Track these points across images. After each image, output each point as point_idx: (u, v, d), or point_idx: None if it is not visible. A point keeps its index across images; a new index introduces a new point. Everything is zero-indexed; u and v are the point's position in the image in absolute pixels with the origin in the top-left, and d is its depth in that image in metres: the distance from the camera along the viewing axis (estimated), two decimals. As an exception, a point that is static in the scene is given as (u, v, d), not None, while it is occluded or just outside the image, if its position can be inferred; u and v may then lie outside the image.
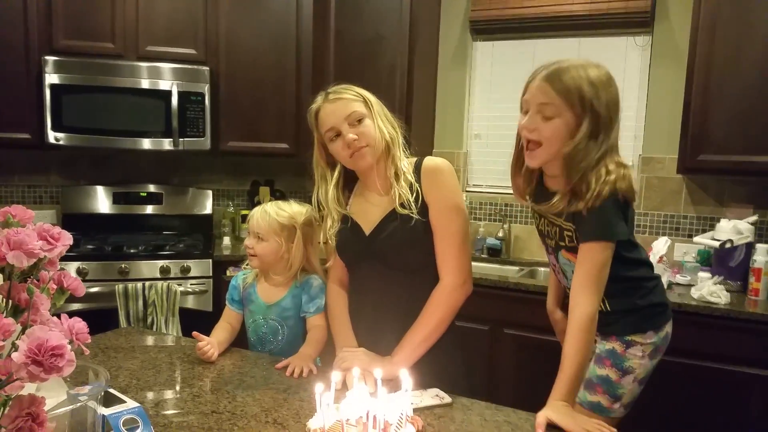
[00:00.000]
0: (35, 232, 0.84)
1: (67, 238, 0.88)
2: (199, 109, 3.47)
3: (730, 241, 2.79)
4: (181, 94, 3.42)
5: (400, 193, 1.72)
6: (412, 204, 1.72)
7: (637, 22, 3.27)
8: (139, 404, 1.27)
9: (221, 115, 3.59)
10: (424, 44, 3.61)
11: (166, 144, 3.45)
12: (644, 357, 1.79)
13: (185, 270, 3.28)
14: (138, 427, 1.23)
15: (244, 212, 3.87)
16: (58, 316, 0.85)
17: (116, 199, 3.74)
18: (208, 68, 3.50)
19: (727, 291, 2.65)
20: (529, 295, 2.83)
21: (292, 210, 2.03)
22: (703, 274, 2.79)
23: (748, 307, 2.57)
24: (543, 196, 1.72)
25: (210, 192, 3.94)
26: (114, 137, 3.40)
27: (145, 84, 3.40)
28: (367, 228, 1.79)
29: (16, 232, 0.82)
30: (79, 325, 0.82)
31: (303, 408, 1.47)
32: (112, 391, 1.34)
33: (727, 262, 2.84)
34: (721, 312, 2.54)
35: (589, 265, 1.59)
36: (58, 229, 0.88)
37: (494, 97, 3.70)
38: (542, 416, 1.41)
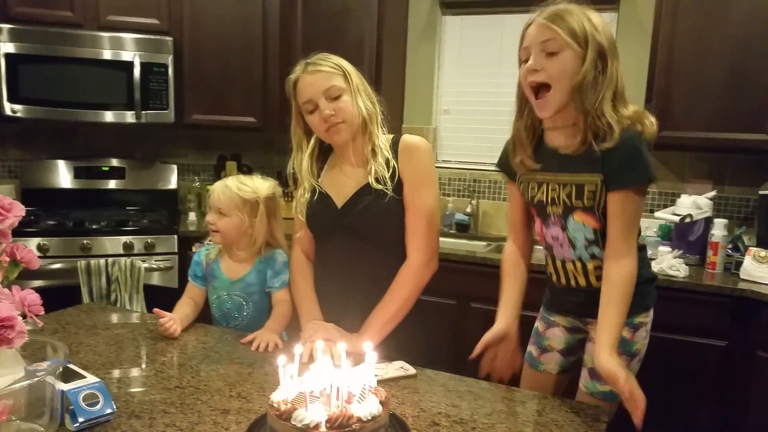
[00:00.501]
0: (-11, 203, 0.82)
1: (19, 209, 0.86)
2: (162, 81, 3.40)
3: (690, 215, 2.85)
4: (143, 65, 3.34)
5: (375, 169, 1.73)
6: (388, 180, 1.72)
7: (605, -1, 3.29)
8: (99, 379, 1.26)
9: (186, 88, 3.53)
10: (393, 18, 3.58)
11: (129, 117, 3.37)
12: (647, 336, 1.74)
13: (149, 246, 3.23)
14: (98, 402, 1.23)
15: (209, 187, 3.81)
16: (9, 289, 0.83)
17: (78, 174, 3.66)
18: (171, 39, 3.42)
19: (686, 264, 2.72)
20: (496, 270, 2.81)
21: (254, 184, 2.00)
22: (664, 248, 2.85)
23: (705, 280, 2.63)
24: (548, 158, 1.64)
25: (175, 166, 3.88)
26: (74, 110, 3.31)
27: (106, 54, 3.31)
28: (339, 201, 1.79)
29: (-35, 204, 0.80)
30: (32, 296, 0.81)
31: (268, 382, 1.47)
32: (71, 366, 1.33)
33: (686, 237, 2.90)
34: (680, 285, 2.60)
35: (631, 213, 1.54)
36: (9, 200, 0.86)
37: (463, 72, 3.69)
38: (616, 364, 1.40)
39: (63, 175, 3.65)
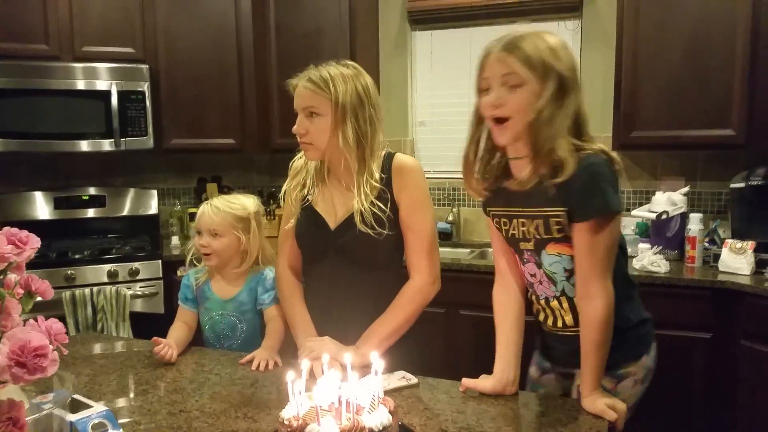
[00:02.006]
0: (3, 236, 0.84)
1: (35, 242, 0.89)
2: (140, 108, 3.41)
3: (666, 212, 2.93)
4: (120, 93, 3.35)
5: (363, 212, 1.69)
6: (375, 225, 1.69)
7: (567, 7, 3.39)
8: (106, 408, 1.27)
9: (163, 113, 3.54)
10: (364, 35, 3.64)
11: (108, 145, 3.38)
12: (636, 385, 1.59)
13: (134, 273, 3.23)
14: (107, 430, 1.23)
15: (191, 210, 3.82)
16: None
17: (57, 204, 3.63)
18: (147, 66, 3.44)
19: (666, 260, 2.79)
20: (482, 276, 2.90)
21: (241, 201, 2.03)
22: (643, 245, 2.93)
23: (686, 274, 2.71)
24: (513, 192, 1.53)
25: (155, 191, 3.88)
26: (52, 140, 3.31)
27: (83, 85, 3.32)
28: (332, 222, 1.78)
29: (-16, 239, 0.81)
30: (57, 326, 0.83)
31: (272, 401, 1.49)
32: (77, 396, 1.34)
33: (664, 233, 2.98)
34: (662, 280, 2.67)
35: (601, 248, 1.41)
36: (25, 233, 0.88)
37: (436, 84, 3.76)
38: (602, 404, 1.39)
39: (42, 207, 3.62)
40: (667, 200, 2.96)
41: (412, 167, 1.77)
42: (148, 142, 3.46)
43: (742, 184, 2.80)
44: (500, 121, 1.45)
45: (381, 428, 1.15)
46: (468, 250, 3.48)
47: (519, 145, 1.48)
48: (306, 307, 1.86)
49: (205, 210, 1.99)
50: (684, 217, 2.95)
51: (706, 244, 2.87)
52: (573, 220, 1.43)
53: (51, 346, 0.75)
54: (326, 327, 1.78)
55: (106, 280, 3.17)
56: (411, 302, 1.76)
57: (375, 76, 3.79)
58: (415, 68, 3.80)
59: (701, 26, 2.81)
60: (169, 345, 1.80)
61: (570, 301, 1.54)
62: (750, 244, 2.65)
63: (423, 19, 3.70)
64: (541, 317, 1.65)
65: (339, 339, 1.73)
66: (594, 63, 3.34)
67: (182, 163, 4.00)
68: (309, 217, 1.82)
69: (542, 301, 1.61)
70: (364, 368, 1.31)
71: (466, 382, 1.55)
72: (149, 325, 3.09)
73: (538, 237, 1.51)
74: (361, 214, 1.70)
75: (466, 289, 2.95)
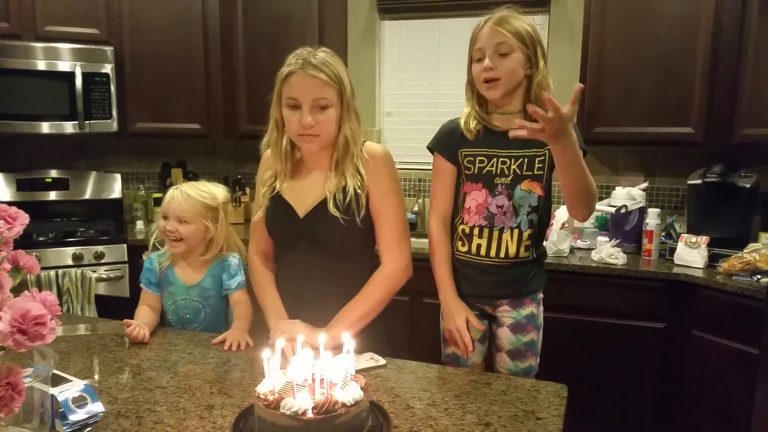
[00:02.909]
0: (-3, 212, 0.85)
1: (24, 218, 0.90)
2: (104, 90, 3.37)
3: (625, 206, 3.03)
4: (85, 75, 3.31)
5: (335, 193, 1.73)
6: (344, 207, 1.72)
7: (535, 2, 3.45)
8: (85, 382, 1.29)
9: (128, 96, 3.50)
10: (333, 23, 3.65)
11: (72, 127, 3.33)
12: (542, 308, 2.03)
13: (99, 256, 3.20)
14: (87, 403, 1.25)
15: (156, 195, 3.80)
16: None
17: (20, 186, 3.58)
18: (112, 48, 3.39)
19: (624, 253, 2.89)
20: (445, 265, 2.96)
21: (211, 190, 2.04)
22: (602, 238, 3.02)
23: (642, 267, 2.81)
24: (497, 138, 1.89)
25: (118, 175, 3.84)
26: (14, 122, 3.26)
27: (46, 65, 3.26)
28: (301, 210, 1.79)
29: (-25, 213, 0.83)
30: (50, 298, 0.85)
31: (245, 378, 1.52)
32: (56, 372, 1.35)
33: (622, 226, 3.09)
34: (619, 272, 2.77)
35: None
36: (14, 209, 0.90)
37: (404, 75, 3.80)
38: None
39: (4, 188, 3.55)
40: (627, 195, 3.06)
41: (382, 155, 1.80)
42: (112, 125, 3.42)
43: (699, 181, 2.91)
44: (490, 81, 1.82)
45: (353, 403, 1.20)
46: (428, 240, 3.53)
47: (505, 102, 1.89)
48: (277, 292, 1.88)
49: (174, 195, 1.99)
50: (642, 212, 3.05)
51: (663, 238, 2.98)
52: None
53: (49, 315, 0.77)
54: (300, 313, 1.79)
55: (70, 262, 3.14)
56: (380, 288, 1.79)
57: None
58: (383, 58, 3.84)
59: (665, 27, 2.91)
60: (140, 325, 1.81)
61: (520, 233, 1.91)
62: (704, 239, 2.76)
63: (392, 8, 3.73)
64: (482, 252, 1.94)
65: (313, 323, 1.75)
66: (560, 58, 3.42)
67: (146, 148, 3.96)
68: (277, 206, 1.82)
69: (495, 233, 1.92)
70: (335, 349, 1.35)
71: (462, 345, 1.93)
72: (114, 308, 3.08)
73: (518, 172, 1.88)
74: (334, 197, 1.72)
75: (429, 279, 2.99)
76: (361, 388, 1.24)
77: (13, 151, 3.65)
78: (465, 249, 1.97)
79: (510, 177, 1.88)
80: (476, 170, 1.91)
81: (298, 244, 1.81)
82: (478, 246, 1.94)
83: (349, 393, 1.20)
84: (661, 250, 2.96)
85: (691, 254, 2.79)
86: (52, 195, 3.67)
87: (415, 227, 3.67)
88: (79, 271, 3.08)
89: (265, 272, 1.92)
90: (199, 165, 4.05)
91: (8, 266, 0.92)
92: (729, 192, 2.86)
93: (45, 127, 3.30)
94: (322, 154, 1.77)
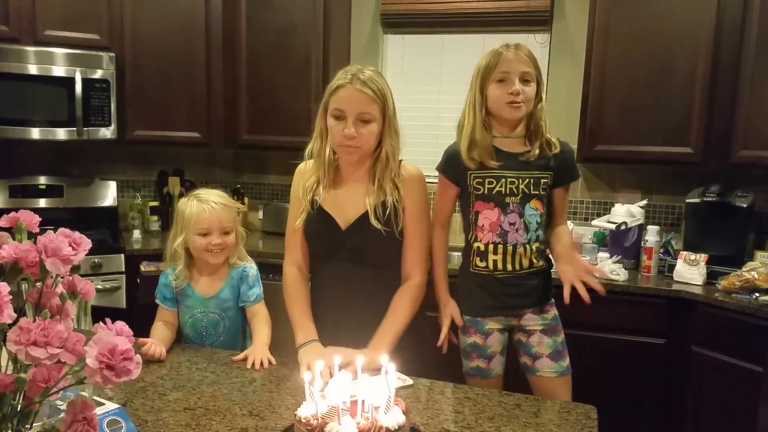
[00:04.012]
0: (63, 236, 0.84)
1: (87, 243, 0.89)
2: (104, 97, 3.33)
3: (625, 223, 3.07)
4: (84, 81, 3.26)
5: (375, 206, 1.80)
6: (388, 219, 1.79)
7: (537, 20, 3.49)
8: (118, 405, 1.27)
9: (128, 104, 3.46)
10: (337, 35, 3.65)
11: (69, 134, 3.28)
12: None
13: (96, 266, 3.15)
14: (122, 427, 1.24)
15: (152, 203, 3.76)
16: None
17: (12, 193, 3.51)
18: (113, 54, 3.35)
19: (624, 269, 2.93)
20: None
21: (227, 196, 2.06)
22: (602, 254, 3.06)
23: (642, 283, 2.85)
24: (505, 159, 1.98)
25: (114, 183, 3.78)
26: (9, 127, 3.20)
27: (44, 70, 3.21)
28: (343, 222, 1.84)
29: (51, 239, 0.81)
30: (126, 328, 0.83)
31: (274, 399, 1.51)
32: (83, 394, 1.33)
33: (622, 243, 3.13)
34: (621, 288, 2.80)
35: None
36: (78, 234, 0.89)
37: (405, 89, 3.80)
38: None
39: (-3, 195, 3.49)
40: (626, 212, 3.10)
41: (419, 175, 1.89)
42: (110, 132, 3.38)
43: (697, 200, 2.96)
44: (514, 104, 1.92)
45: (396, 428, 1.20)
46: (432, 253, 3.54)
47: (516, 127, 2.01)
48: (309, 308, 1.90)
49: (206, 208, 1.94)
50: (641, 229, 3.10)
51: (661, 255, 3.02)
52: (559, 183, 2.05)
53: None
54: (341, 323, 1.84)
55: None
56: (414, 302, 1.86)
57: (344, 77, 3.84)
58: (385, 71, 3.84)
59: (666, 49, 2.96)
60: (155, 343, 1.79)
61: (531, 247, 2.01)
62: (703, 257, 2.81)
63: (395, 23, 3.75)
64: (499, 266, 2.01)
65: (353, 335, 1.79)
66: (560, 77, 3.47)
67: (142, 155, 3.91)
68: (318, 217, 1.87)
69: (509, 248, 2.00)
70: (371, 370, 1.35)
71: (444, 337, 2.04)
72: (110, 321, 3.03)
73: (526, 192, 1.99)
74: (375, 210, 1.78)
75: (430, 293, 3.01)
76: (403, 412, 1.24)
77: (6, 156, 3.58)
78: (483, 264, 2.04)
79: (519, 196, 1.99)
80: (486, 191, 2.00)
81: (340, 255, 1.86)
82: (494, 262, 2.02)
83: (393, 418, 1.20)
84: (660, 266, 3.01)
85: (690, 271, 2.84)
86: (46, 202, 3.61)
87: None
88: (76, 280, 3.02)
89: (301, 285, 1.94)
90: (196, 174, 4.02)
91: (65, 290, 0.91)
92: (726, 211, 2.92)
93: (41, 133, 3.25)
94: (359, 166, 1.84)
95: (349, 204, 1.86)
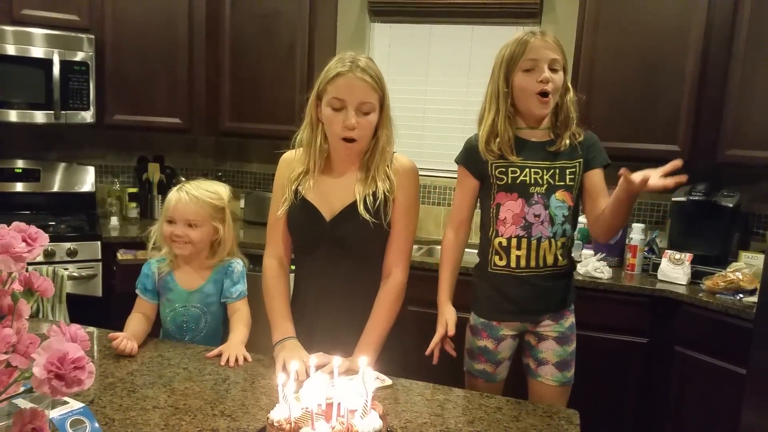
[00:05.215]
0: (16, 231, 0.78)
1: (43, 238, 0.83)
2: (83, 80, 3.25)
3: (610, 221, 3.04)
4: (63, 63, 3.17)
5: (366, 196, 1.74)
6: (374, 211, 1.74)
7: (527, 13, 3.44)
8: (84, 404, 1.22)
9: (107, 87, 3.38)
10: (323, 23, 3.58)
11: (46, 117, 3.20)
12: None
13: (72, 253, 3.07)
14: (85, 427, 1.18)
15: (131, 190, 3.68)
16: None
17: (-13, 176, 3.42)
18: (93, 36, 3.27)
19: (608, 266, 2.91)
20: (431, 273, 2.91)
21: (216, 189, 1.97)
22: (587, 251, 3.04)
23: (626, 281, 2.83)
24: (530, 150, 1.91)
25: (92, 168, 3.70)
26: (-16, 108, 3.10)
27: (21, 51, 3.12)
28: (328, 213, 1.78)
29: (1, 235, 0.76)
30: (81, 332, 0.78)
31: (247, 398, 1.46)
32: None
33: (607, 240, 3.10)
34: (605, 286, 2.78)
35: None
36: (34, 229, 0.83)
37: (392, 79, 3.69)
38: None
39: (-30, 178, 3.40)
40: (611, 209, 3.07)
41: (412, 168, 1.83)
42: (89, 116, 3.30)
43: (683, 198, 2.94)
44: (544, 95, 1.83)
45: (372, 433, 1.15)
46: (416, 247, 3.50)
47: (542, 118, 1.92)
48: (289, 305, 1.85)
49: (181, 197, 1.89)
50: (626, 226, 3.07)
51: (645, 253, 3.00)
52: (591, 167, 1.93)
53: (87, 357, 0.71)
54: (321, 315, 1.80)
55: (41, 259, 3.01)
56: (397, 301, 1.81)
57: (331, 65, 3.77)
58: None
59: (656, 46, 2.93)
60: (127, 337, 1.72)
61: (555, 242, 1.90)
62: (688, 256, 2.79)
63: (383, 11, 3.68)
64: (522, 263, 1.91)
65: (333, 328, 1.77)
66: (549, 70, 3.41)
67: (121, 140, 3.83)
68: (302, 208, 1.81)
69: (533, 242, 1.90)
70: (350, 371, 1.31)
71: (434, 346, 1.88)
72: (86, 309, 2.96)
73: (551, 182, 1.89)
74: (365, 200, 1.73)
75: (415, 287, 2.90)
76: (380, 416, 1.20)
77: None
78: (503, 263, 1.94)
79: (545, 186, 1.90)
80: (509, 180, 1.91)
81: (322, 247, 1.80)
82: (517, 258, 1.92)
83: (369, 423, 1.16)
84: (644, 265, 2.99)
85: (675, 270, 2.82)
86: (22, 186, 3.52)
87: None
88: (50, 268, 2.95)
89: (280, 280, 1.87)
90: (176, 160, 3.94)
91: (20, 288, 0.85)
92: (712, 210, 2.90)
93: (19, 116, 3.17)
94: (352, 156, 1.78)
95: (335, 194, 1.79)
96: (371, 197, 1.74)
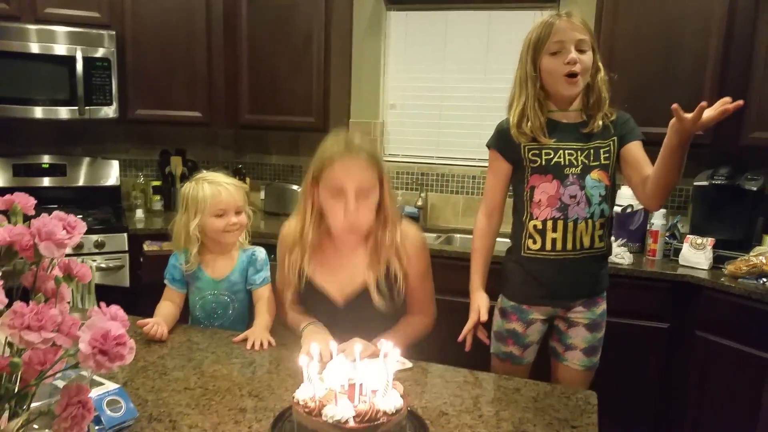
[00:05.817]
0: (57, 220, 0.82)
1: (82, 226, 0.87)
2: (105, 76, 3.31)
3: (631, 206, 3.04)
4: (85, 59, 3.23)
5: (379, 280, 1.75)
6: (388, 292, 1.76)
7: (545, -3, 3.43)
8: (118, 385, 1.26)
9: (129, 82, 3.43)
10: (339, 13, 3.59)
11: (71, 112, 3.26)
12: None
13: (99, 245, 3.15)
14: (121, 407, 1.23)
15: (154, 183, 3.75)
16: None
17: (16, 171, 3.50)
18: (114, 32, 3.32)
19: (629, 252, 2.90)
20: (451, 261, 2.96)
21: (231, 176, 2.06)
22: (608, 237, 3.03)
23: (647, 267, 2.82)
24: (563, 132, 1.90)
25: (116, 162, 3.77)
26: (11, 105, 3.18)
27: (45, 49, 3.18)
28: (340, 298, 1.80)
29: (44, 223, 0.80)
30: (120, 312, 0.82)
31: (273, 380, 1.50)
32: (84, 374, 1.32)
33: (627, 226, 3.09)
34: (626, 272, 2.77)
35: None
36: (72, 217, 0.87)
37: (408, 67, 3.76)
38: None
39: (0, 173, 3.48)
40: (632, 195, 3.05)
41: (419, 241, 1.85)
42: (112, 111, 3.36)
43: (705, 183, 2.92)
44: (572, 75, 1.82)
45: (394, 411, 1.18)
46: (435, 235, 3.52)
47: (573, 100, 1.91)
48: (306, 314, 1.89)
49: (221, 190, 1.95)
50: (647, 212, 3.06)
51: (667, 239, 2.99)
52: (628, 140, 1.92)
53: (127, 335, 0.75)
54: None
55: (69, 251, 3.06)
56: (424, 329, 1.88)
57: (348, 55, 3.79)
58: (388, 49, 3.79)
59: (677, 28, 2.90)
60: (158, 323, 1.78)
61: (593, 223, 1.89)
62: (710, 241, 2.78)
63: None
64: (558, 246, 1.90)
65: None
66: (567, 56, 3.40)
67: (144, 135, 3.89)
68: (311, 292, 1.82)
69: (570, 224, 1.88)
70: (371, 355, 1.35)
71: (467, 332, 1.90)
72: (114, 299, 3.02)
73: (586, 163, 1.88)
74: (378, 285, 1.74)
75: (434, 275, 3.00)
76: (401, 396, 1.23)
77: (8, 135, 3.57)
78: (537, 246, 1.93)
79: (579, 167, 1.88)
80: (543, 162, 1.89)
81: (335, 329, 1.78)
82: (553, 240, 1.90)
83: (390, 401, 1.19)
84: (665, 250, 2.98)
85: (696, 255, 2.80)
86: (49, 181, 3.60)
87: (417, 221, 3.65)
88: (79, 260, 3.01)
89: (299, 311, 1.91)
90: (197, 153, 3.99)
91: (60, 273, 0.89)
92: (735, 194, 2.87)
93: (43, 112, 3.24)
94: (358, 238, 1.78)
95: (344, 276, 1.80)
96: (383, 279, 1.75)
